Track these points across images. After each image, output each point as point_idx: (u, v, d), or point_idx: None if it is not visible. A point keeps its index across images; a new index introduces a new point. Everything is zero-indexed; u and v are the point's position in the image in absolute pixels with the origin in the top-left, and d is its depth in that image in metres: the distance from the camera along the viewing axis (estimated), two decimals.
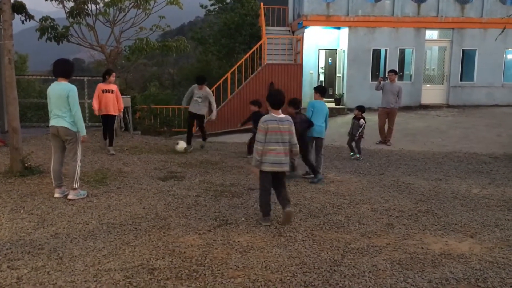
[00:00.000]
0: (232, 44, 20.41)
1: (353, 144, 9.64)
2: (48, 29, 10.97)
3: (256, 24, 20.38)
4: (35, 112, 15.58)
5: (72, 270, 3.91)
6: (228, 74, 15.86)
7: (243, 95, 15.39)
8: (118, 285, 3.67)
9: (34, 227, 4.93)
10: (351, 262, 4.18)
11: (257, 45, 16.13)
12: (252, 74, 15.92)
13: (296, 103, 7.64)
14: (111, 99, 9.49)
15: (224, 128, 15.03)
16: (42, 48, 25.54)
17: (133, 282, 3.72)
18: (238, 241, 4.66)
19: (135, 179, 7.28)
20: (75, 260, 4.12)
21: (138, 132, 13.72)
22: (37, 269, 3.91)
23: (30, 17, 10.70)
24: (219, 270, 3.98)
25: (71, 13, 11.05)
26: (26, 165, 7.16)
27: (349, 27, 16.90)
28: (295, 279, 3.80)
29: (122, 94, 13.50)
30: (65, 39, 11.19)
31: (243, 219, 5.39)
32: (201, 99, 9.96)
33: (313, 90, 8.06)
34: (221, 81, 15.96)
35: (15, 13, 10.06)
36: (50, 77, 21.70)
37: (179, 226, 5.12)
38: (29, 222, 5.08)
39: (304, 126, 7.40)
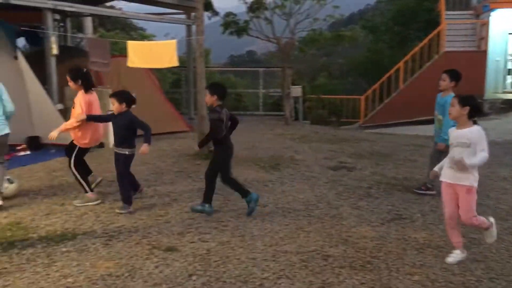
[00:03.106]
0: (406, 32, 19.46)
1: None
2: (230, 23, 11.85)
3: (435, 9, 19.07)
4: None
5: (253, 248, 4.21)
6: (401, 63, 15.20)
7: (416, 85, 14.59)
8: (294, 267, 3.85)
9: (219, 205, 5.42)
10: None
11: (435, 32, 15.11)
12: (427, 63, 15.01)
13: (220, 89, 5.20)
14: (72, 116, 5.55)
15: (394, 119, 14.49)
16: (218, 42, 27.74)
17: (309, 266, 3.86)
18: (414, 237, 4.48)
19: (306, 167, 7.49)
20: (255, 239, 4.43)
21: (308, 122, 14.06)
22: (223, 244, 4.30)
23: (215, 13, 11.68)
24: (395, 264, 3.89)
25: (251, 8, 11.75)
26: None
27: None
28: (480, 285, 3.52)
29: (293, 84, 14.03)
30: (245, 33, 11.97)
31: (418, 215, 5.16)
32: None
33: (447, 76, 5.76)
34: (393, 70, 15.39)
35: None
36: (228, 69, 23.50)
37: (351, 216, 5.12)
38: (215, 200, 5.56)
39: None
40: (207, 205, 5.17)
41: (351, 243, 4.34)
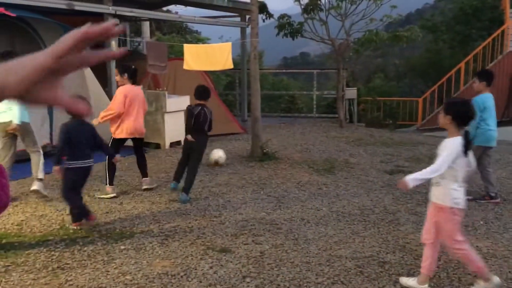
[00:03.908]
0: (468, 31, 18.66)
1: None
2: (285, 26, 11.83)
3: (499, 7, 18.19)
4: (268, 103, 17.08)
5: (307, 252, 4.16)
6: (462, 64, 14.59)
7: None
8: (349, 272, 3.76)
9: (272, 208, 5.41)
10: None
11: (499, 31, 14.40)
12: (490, 63, 14.33)
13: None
14: None
15: None
16: (271, 43, 27.81)
17: (364, 272, 3.76)
18: (477, 246, 4.27)
19: (361, 170, 7.34)
20: (309, 243, 4.37)
21: (362, 124, 13.79)
22: (276, 247, 4.28)
23: (270, 15, 11.69)
24: (455, 274, 3.72)
25: (305, 9, 11.67)
26: (264, 151, 7.91)
27: None
28: None
29: (347, 86, 13.81)
30: (299, 35, 11.91)
31: (481, 222, 4.92)
32: None
33: (476, 78, 5.68)
34: (453, 71, 14.80)
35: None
36: (281, 71, 23.49)
37: (409, 222, 4.96)
38: (268, 203, 5.60)
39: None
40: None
41: (409, 250, 4.19)
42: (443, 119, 3.34)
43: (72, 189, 4.72)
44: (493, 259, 3.99)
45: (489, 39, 14.47)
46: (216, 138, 10.02)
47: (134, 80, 5.97)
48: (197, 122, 5.69)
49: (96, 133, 4.88)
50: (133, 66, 6.11)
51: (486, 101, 5.59)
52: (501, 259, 3.99)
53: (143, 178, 6.17)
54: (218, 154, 7.48)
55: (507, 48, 14.19)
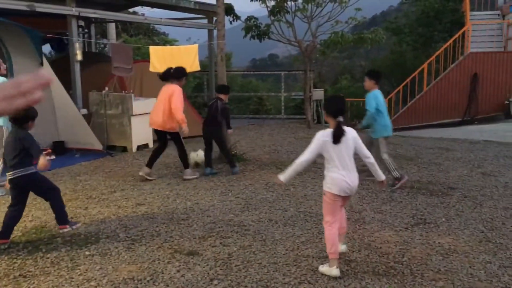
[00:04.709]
0: (430, 33, 19.15)
1: None
2: (252, 27, 11.87)
3: (459, 10, 18.76)
4: (236, 104, 17.10)
5: (274, 253, 4.19)
6: (425, 65, 14.97)
7: (441, 87, 14.37)
8: (316, 272, 3.80)
9: (240, 210, 5.41)
10: None
11: (460, 33, 14.85)
12: (452, 64, 14.76)
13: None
14: None
15: (418, 122, 14.28)
16: (240, 45, 27.84)
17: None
18: (439, 242, 4.39)
19: None
20: (276, 244, 4.40)
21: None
22: (244, 248, 4.29)
23: (237, 17, 11.71)
24: (419, 270, 3.81)
25: (272, 12, 11.74)
26: (232, 152, 7.90)
27: None
28: None
29: (315, 87, 13.98)
30: (267, 37, 11.97)
31: (443, 219, 5.06)
32: None
33: (366, 77, 6.41)
34: (416, 72, 15.18)
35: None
36: (249, 72, 23.54)
37: (374, 220, 5.05)
38: (236, 204, 5.60)
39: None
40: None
41: (374, 248, 4.27)
42: (324, 115, 3.71)
43: (12, 200, 4.45)
44: (454, 254, 4.10)
45: (451, 41, 14.89)
46: (184, 140, 9.95)
47: (164, 79, 6.87)
48: (209, 112, 7.05)
49: (25, 139, 4.34)
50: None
51: (377, 96, 6.26)
52: (462, 254, 4.10)
53: (185, 170, 6.84)
54: (199, 155, 7.66)
55: (467, 49, 14.64)
